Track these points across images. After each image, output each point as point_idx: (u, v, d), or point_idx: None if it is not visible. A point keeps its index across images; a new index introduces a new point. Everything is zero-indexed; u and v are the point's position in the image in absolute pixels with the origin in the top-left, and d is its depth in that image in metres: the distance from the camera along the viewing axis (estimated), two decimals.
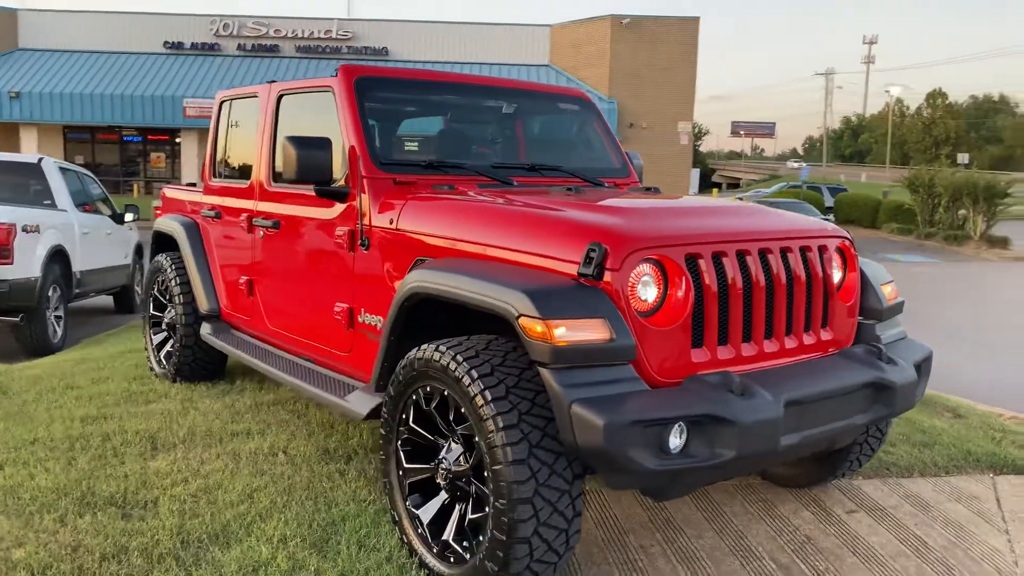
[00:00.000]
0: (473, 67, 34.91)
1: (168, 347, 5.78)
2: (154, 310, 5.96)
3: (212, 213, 5.24)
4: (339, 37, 36.72)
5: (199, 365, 5.53)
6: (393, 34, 36.90)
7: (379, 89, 4.19)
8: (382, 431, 3.36)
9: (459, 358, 2.90)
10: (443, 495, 3.14)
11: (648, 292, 2.91)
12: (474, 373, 2.83)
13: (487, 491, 2.81)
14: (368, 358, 3.86)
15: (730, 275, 3.05)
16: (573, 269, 2.89)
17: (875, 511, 3.93)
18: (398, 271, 3.65)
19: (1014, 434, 4.96)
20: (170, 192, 6.25)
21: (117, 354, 6.77)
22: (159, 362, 5.85)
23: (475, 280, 2.95)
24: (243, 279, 4.91)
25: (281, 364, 4.50)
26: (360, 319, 3.89)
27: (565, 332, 2.69)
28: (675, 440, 2.69)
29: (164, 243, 5.98)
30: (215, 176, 5.39)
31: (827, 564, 3.41)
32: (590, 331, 2.72)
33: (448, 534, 3.07)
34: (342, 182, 3.96)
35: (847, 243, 3.61)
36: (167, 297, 5.73)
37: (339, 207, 4.00)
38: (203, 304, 5.32)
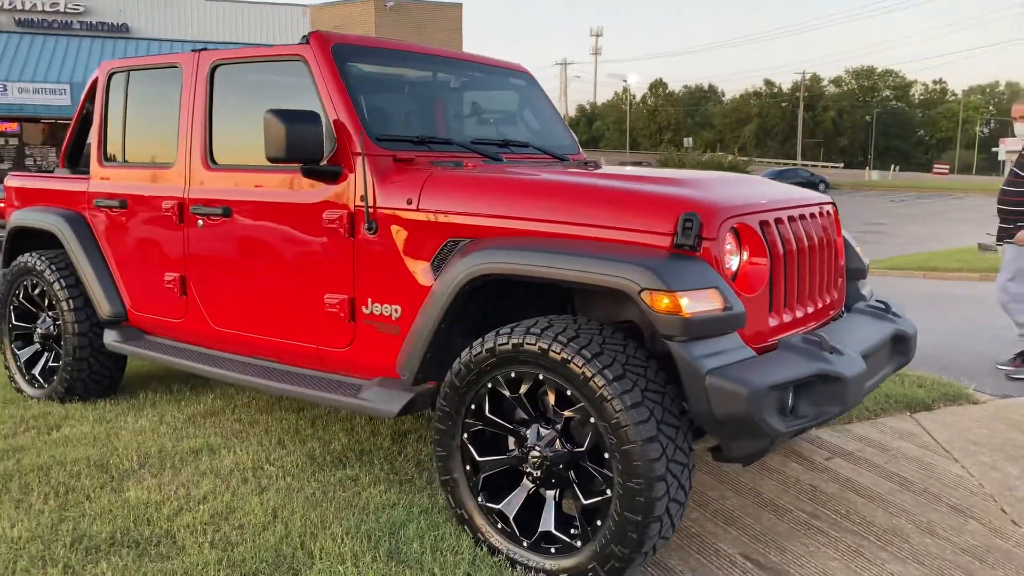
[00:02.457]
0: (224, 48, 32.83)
1: (46, 362, 4.94)
2: (17, 321, 5.06)
3: (115, 203, 4.53)
4: (69, 11, 32.94)
5: (96, 380, 4.79)
6: (133, 9, 33.75)
7: (356, 58, 3.85)
8: (439, 425, 3.13)
9: (562, 339, 2.77)
10: (526, 485, 3.00)
11: (733, 260, 2.96)
12: (586, 353, 2.72)
13: (610, 473, 2.72)
14: (376, 352, 3.58)
15: (790, 240, 3.18)
16: (663, 241, 2.85)
17: (846, 455, 4.29)
18: (421, 255, 3.40)
19: (908, 376, 5.62)
20: (19, 181, 5.31)
21: None
22: (32, 381, 4.98)
23: (577, 257, 2.82)
24: (170, 276, 4.30)
25: (241, 368, 4.02)
26: (366, 310, 3.58)
27: (689, 303, 2.66)
28: (790, 402, 2.77)
29: (27, 242, 5.09)
30: (106, 160, 4.66)
31: (846, 508, 3.67)
32: (709, 301, 2.72)
33: (547, 524, 2.93)
34: (324, 161, 3.60)
35: (835, 208, 3.88)
36: (45, 304, 4.89)
37: (326, 189, 3.64)
38: (104, 308, 4.60)
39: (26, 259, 4.87)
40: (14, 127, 34.18)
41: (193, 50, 4.22)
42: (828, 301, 3.58)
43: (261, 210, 3.88)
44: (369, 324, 3.59)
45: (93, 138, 4.72)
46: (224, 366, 4.11)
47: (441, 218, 3.35)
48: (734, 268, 2.96)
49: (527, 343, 2.83)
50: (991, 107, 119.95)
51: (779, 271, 3.11)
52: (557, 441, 2.89)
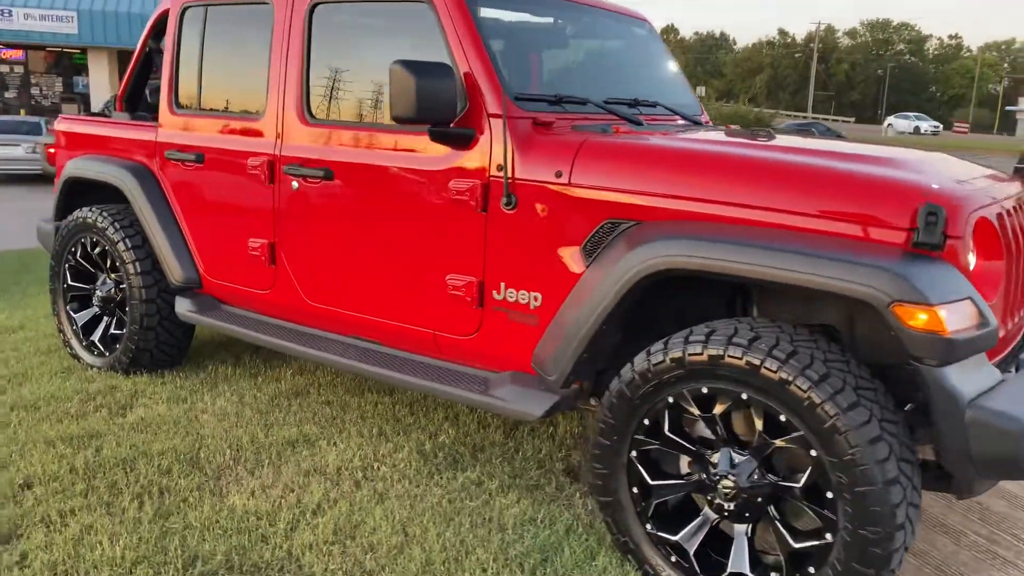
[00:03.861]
0: None
1: (107, 328, 4.50)
2: (73, 281, 4.60)
3: (190, 156, 4.03)
4: None
5: (163, 350, 4.34)
6: None
7: (489, 2, 3.33)
8: (601, 440, 2.70)
9: (778, 355, 2.33)
10: (708, 515, 2.58)
11: (971, 262, 2.50)
12: (811, 375, 2.28)
13: (834, 516, 2.30)
14: (506, 342, 3.14)
15: (1018, 236, 2.71)
16: (897, 237, 2.38)
17: None
18: (571, 237, 2.93)
19: None
20: (72, 125, 4.79)
21: None
22: (90, 348, 4.54)
23: (799, 256, 2.35)
24: (256, 243, 3.83)
25: (340, 350, 3.59)
26: (498, 295, 3.13)
27: (949, 318, 2.21)
28: None
29: (85, 194, 4.61)
30: (178, 107, 4.15)
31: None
32: (966, 316, 2.27)
33: (738, 565, 2.52)
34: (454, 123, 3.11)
35: None
36: (106, 264, 4.42)
37: (454, 154, 3.15)
38: (176, 274, 4.14)
39: (85, 214, 4.38)
40: (19, 54, 33.26)
41: None
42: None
43: (372, 175, 3.40)
44: (500, 311, 3.14)
45: (163, 81, 4.20)
46: (319, 346, 3.67)
47: (599, 195, 2.87)
48: (970, 271, 2.50)
49: (730, 356, 2.39)
50: (1006, 64, 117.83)
51: (1010, 273, 2.65)
52: (757, 471, 2.47)
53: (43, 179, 17.91)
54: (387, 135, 3.35)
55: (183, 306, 4.16)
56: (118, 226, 4.25)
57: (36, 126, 19.23)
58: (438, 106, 2.98)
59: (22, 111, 30.39)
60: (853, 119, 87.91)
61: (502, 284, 3.12)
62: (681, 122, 3.82)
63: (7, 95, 32.26)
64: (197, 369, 4.48)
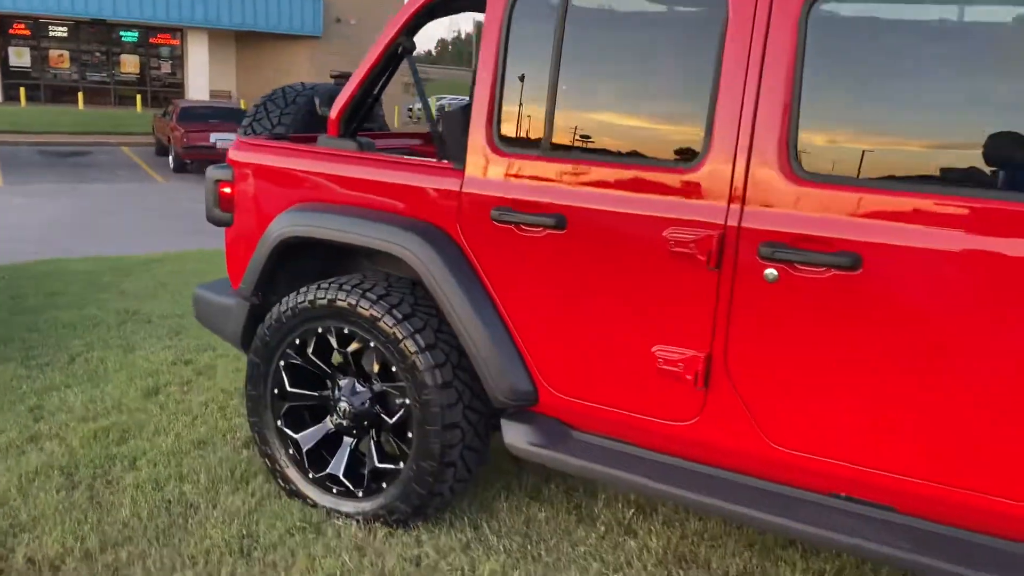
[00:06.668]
0: None
1: (353, 457, 3.09)
2: (293, 387, 3.15)
3: (544, 220, 2.67)
4: None
5: (454, 490, 2.99)
6: None
7: None
8: None
9: None
10: None
11: None
12: None
13: None
14: None
15: None
16: None
17: None
18: None
19: None
20: (270, 156, 3.31)
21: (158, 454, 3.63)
22: (324, 484, 3.11)
23: None
24: (674, 353, 2.56)
25: (837, 520, 2.41)
26: None
27: None
28: None
29: (310, 261, 3.20)
30: (507, 144, 2.79)
31: None
32: None
33: None
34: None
35: None
36: (365, 367, 3.02)
37: None
38: (501, 386, 2.80)
39: (334, 295, 2.94)
40: None
41: None
42: None
43: (939, 265, 2.21)
44: None
45: (477, 106, 2.82)
46: (783, 510, 2.47)
47: None
48: None
49: None
50: None
51: None
52: None
53: None
54: (974, 207, 2.18)
55: (518, 435, 2.82)
56: (398, 315, 2.86)
57: None
58: None
59: None
60: None
61: None
62: None
63: None
64: (490, 511, 3.15)
